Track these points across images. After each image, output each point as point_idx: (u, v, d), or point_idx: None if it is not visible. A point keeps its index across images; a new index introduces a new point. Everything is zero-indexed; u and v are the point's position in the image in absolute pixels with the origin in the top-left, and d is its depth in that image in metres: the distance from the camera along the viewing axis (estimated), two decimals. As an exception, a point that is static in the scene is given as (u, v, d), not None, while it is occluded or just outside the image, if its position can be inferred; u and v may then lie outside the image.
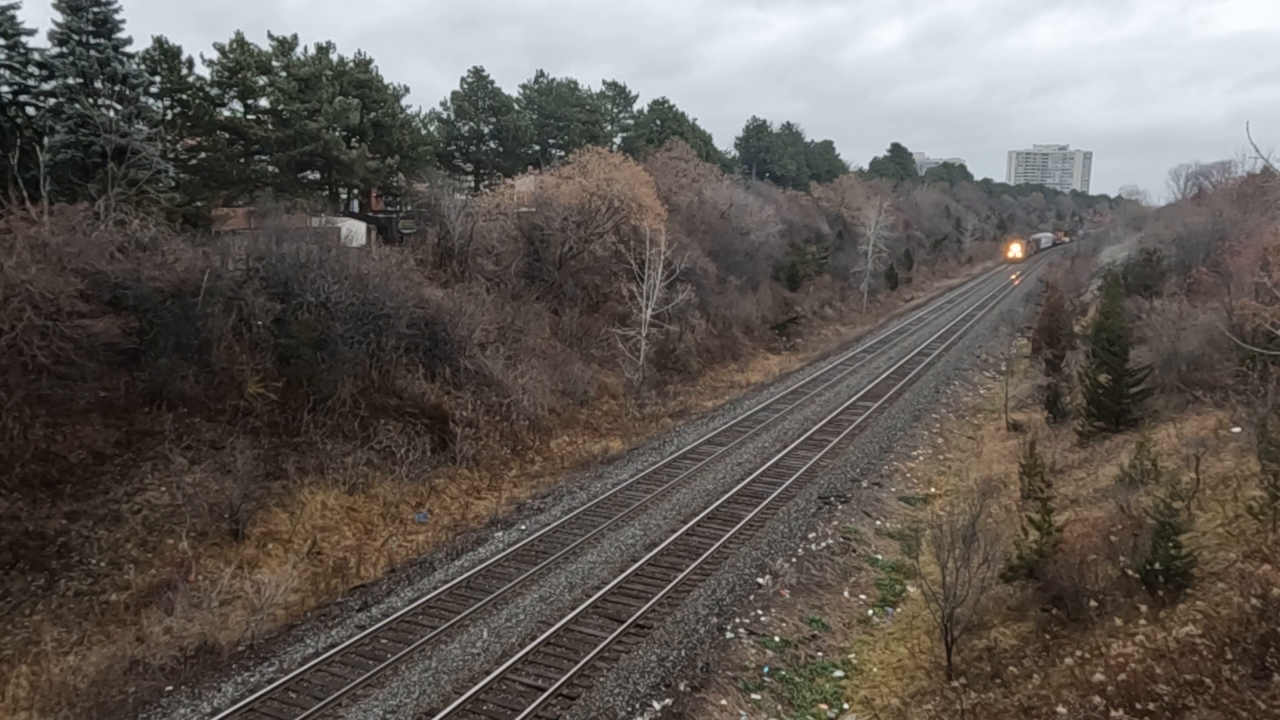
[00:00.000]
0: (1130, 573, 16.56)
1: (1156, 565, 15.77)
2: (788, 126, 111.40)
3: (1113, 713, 12.91)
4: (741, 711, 16.80)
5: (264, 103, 40.32)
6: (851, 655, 19.22)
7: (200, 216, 32.50)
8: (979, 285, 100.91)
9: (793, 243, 72.99)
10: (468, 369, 32.90)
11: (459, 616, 19.68)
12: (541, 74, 70.50)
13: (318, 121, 38.95)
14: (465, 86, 60.07)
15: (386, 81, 45.38)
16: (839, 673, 18.43)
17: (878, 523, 26.82)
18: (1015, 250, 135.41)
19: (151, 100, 34.36)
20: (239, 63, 38.60)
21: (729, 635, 19.20)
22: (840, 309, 72.88)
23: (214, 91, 38.48)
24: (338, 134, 40.46)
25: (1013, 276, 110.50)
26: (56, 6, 28.75)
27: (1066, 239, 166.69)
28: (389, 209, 50.07)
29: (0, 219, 22.79)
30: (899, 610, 21.22)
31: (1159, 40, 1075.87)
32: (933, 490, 30.24)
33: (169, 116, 36.11)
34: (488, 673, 17.37)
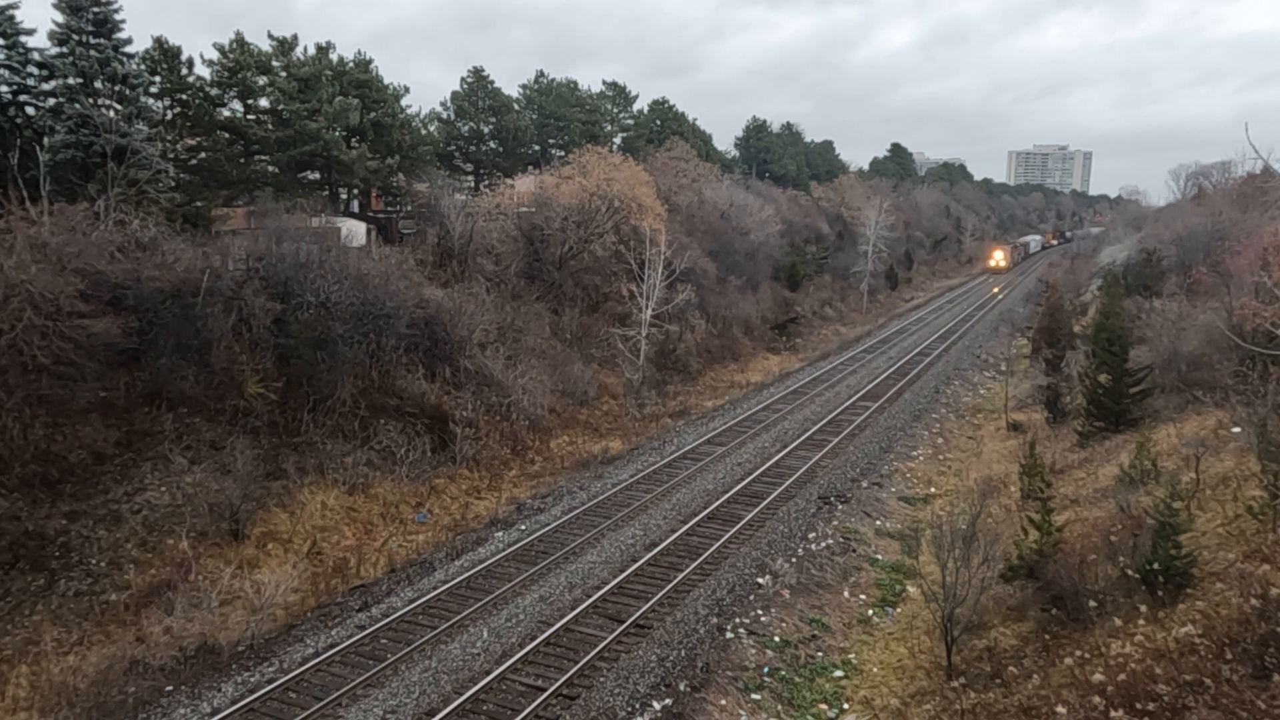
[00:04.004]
0: (1130, 573, 16.56)
1: (1156, 565, 15.78)
2: (788, 126, 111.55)
3: (1112, 713, 12.92)
4: (741, 711, 16.80)
5: (264, 103, 40.32)
6: (851, 655, 19.22)
7: (200, 216, 32.47)
8: (979, 285, 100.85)
9: (793, 243, 72.97)
10: (468, 369, 32.89)
11: (459, 616, 19.67)
12: (541, 74, 70.54)
13: (318, 121, 38.95)
14: (465, 86, 60.05)
15: (388, 81, 45.42)
16: (839, 673, 18.43)
17: (878, 523, 26.82)
18: (998, 258, 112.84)
19: (151, 100, 34.35)
20: (239, 63, 38.61)
21: (729, 635, 19.20)
22: (840, 309, 72.87)
23: (214, 91, 38.47)
24: (338, 134, 40.46)
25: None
26: (56, 6, 28.75)
27: (1055, 242, 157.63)
28: (389, 209, 50.06)
29: (0, 219, 22.78)
30: (899, 610, 21.22)
31: (1169, 40, 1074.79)
32: (933, 490, 30.24)
33: (169, 116, 36.10)
34: (488, 673, 17.37)
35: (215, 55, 38.56)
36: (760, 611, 20.32)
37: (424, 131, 53.75)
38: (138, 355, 23.76)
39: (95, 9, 28.90)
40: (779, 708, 17.08)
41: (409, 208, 48.23)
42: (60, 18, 28.76)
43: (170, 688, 17.01)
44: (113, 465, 21.90)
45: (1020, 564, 18.60)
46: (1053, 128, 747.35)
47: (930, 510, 27.57)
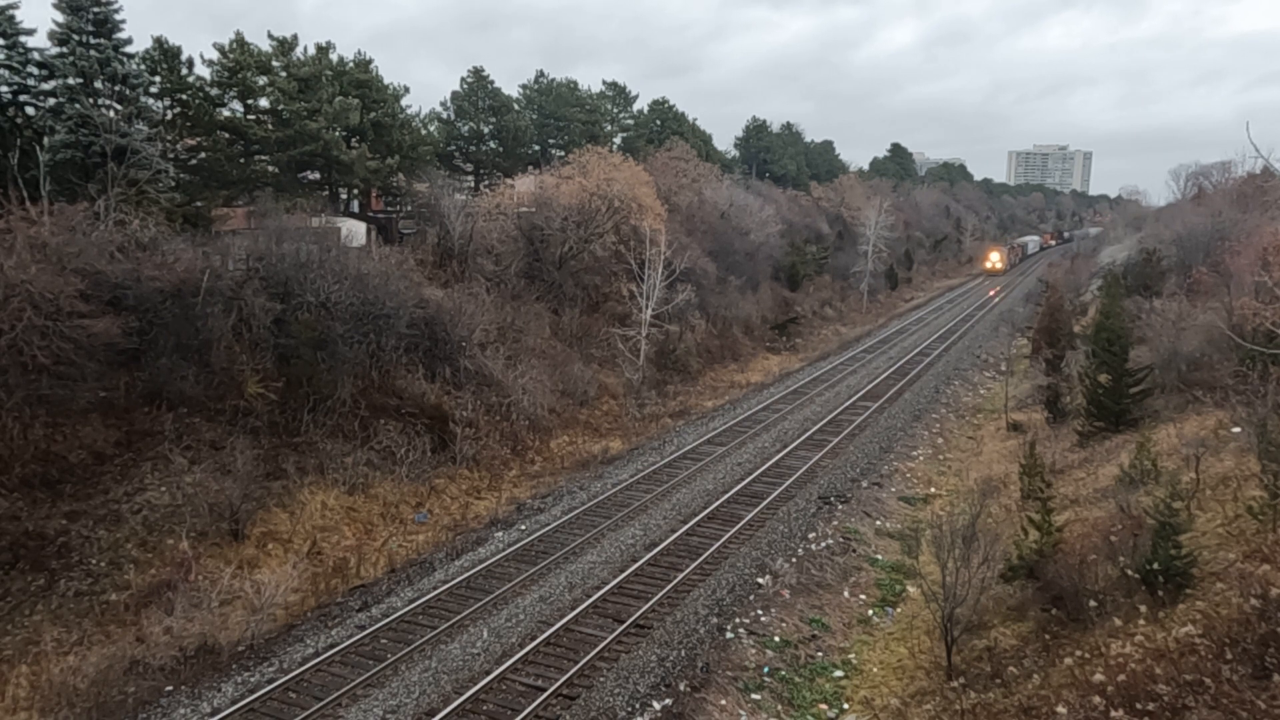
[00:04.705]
0: (1130, 573, 16.55)
1: (1156, 565, 15.77)
2: (788, 126, 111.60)
3: (1113, 713, 12.91)
4: (741, 711, 16.80)
5: (264, 103, 40.31)
6: (851, 655, 19.22)
7: (200, 216, 32.49)
8: (979, 285, 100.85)
9: (793, 243, 72.98)
10: (468, 369, 32.90)
11: (459, 616, 19.68)
12: (541, 74, 70.59)
13: (318, 121, 38.94)
14: (465, 86, 60.07)
15: (388, 81, 45.45)
16: (839, 673, 18.43)
17: (878, 523, 26.82)
18: (994, 260, 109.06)
19: (151, 100, 34.35)
20: (239, 63, 38.60)
21: (729, 635, 19.20)
22: (840, 309, 72.87)
23: (214, 91, 38.46)
24: (338, 134, 40.45)
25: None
26: (56, 6, 28.75)
27: (1054, 242, 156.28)
28: (389, 209, 50.06)
29: (0, 219, 22.79)
30: (899, 610, 21.22)
31: (1171, 40, 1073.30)
32: (933, 490, 30.24)
33: (169, 116, 36.11)
34: (488, 673, 17.37)
35: (215, 55, 38.56)
36: (760, 611, 20.32)
37: (424, 131, 53.75)
38: (138, 355, 23.76)
39: (95, 9, 28.89)
40: (779, 708, 17.08)
41: (409, 208, 48.23)
42: (60, 18, 28.76)
43: (170, 688, 17.01)
44: (113, 465, 21.90)
45: (1020, 564, 18.60)
46: (1053, 128, 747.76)
47: (930, 510, 27.57)
